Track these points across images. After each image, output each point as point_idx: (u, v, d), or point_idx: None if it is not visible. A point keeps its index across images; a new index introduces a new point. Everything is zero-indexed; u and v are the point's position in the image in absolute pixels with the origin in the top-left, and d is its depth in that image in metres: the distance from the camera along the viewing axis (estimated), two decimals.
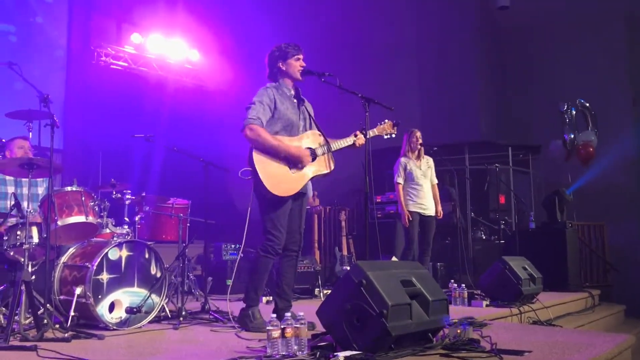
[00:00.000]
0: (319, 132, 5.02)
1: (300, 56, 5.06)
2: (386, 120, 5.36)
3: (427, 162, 8.22)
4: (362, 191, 4.80)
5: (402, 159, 8.16)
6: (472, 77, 13.32)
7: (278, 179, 4.75)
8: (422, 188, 8.06)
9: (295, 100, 5.00)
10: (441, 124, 12.82)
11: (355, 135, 5.05)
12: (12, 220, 5.20)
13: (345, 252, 9.69)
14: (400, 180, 8.05)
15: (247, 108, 4.83)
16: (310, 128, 5.09)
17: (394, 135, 5.45)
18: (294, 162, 4.71)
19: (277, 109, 4.87)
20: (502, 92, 13.99)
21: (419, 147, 8.12)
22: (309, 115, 5.08)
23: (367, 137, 4.94)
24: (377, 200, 10.61)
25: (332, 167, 4.98)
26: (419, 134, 8.22)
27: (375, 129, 5.29)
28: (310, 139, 4.97)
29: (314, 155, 4.90)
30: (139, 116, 9.71)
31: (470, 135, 13.06)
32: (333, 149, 4.97)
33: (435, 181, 8.18)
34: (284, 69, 5.00)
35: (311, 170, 4.89)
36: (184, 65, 11.18)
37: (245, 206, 4.82)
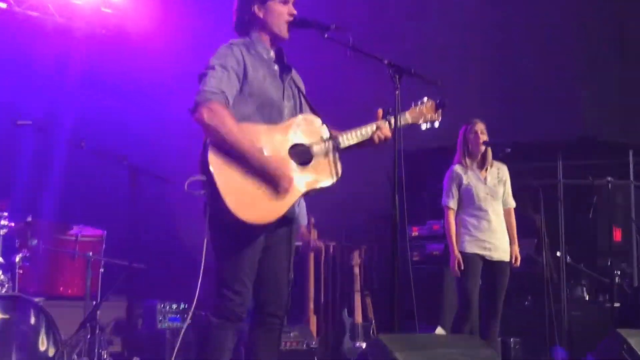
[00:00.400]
0: (317, 117, 3.92)
1: None
2: (425, 99, 4.13)
3: (498, 173, 6.25)
4: (388, 218, 3.90)
5: (456, 168, 6.22)
6: (569, 38, 9.64)
7: (248, 195, 3.63)
8: (487, 216, 6.05)
9: (276, 67, 3.92)
10: (514, 112, 9.36)
11: (377, 125, 3.94)
12: None
13: (359, 319, 7.82)
14: (452, 202, 6.07)
15: (202, 75, 3.72)
16: (301, 111, 4.00)
17: (437, 124, 4.17)
18: (269, 178, 3.68)
19: (248, 80, 3.78)
20: (618, 69, 9.95)
21: (483, 148, 6.14)
22: (299, 91, 4.02)
23: (397, 126, 3.86)
24: (414, 234, 8.18)
25: (339, 176, 3.85)
26: (482, 126, 6.20)
27: (407, 113, 4.11)
28: (302, 129, 3.85)
29: (307, 156, 3.80)
30: (26, 89, 7.58)
31: (564, 129, 9.54)
32: (341, 146, 3.88)
33: (512, 204, 6.20)
34: (260, 16, 3.86)
35: (304, 181, 3.74)
36: (99, 9, 8.31)
37: (197, 240, 3.73)
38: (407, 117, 4.10)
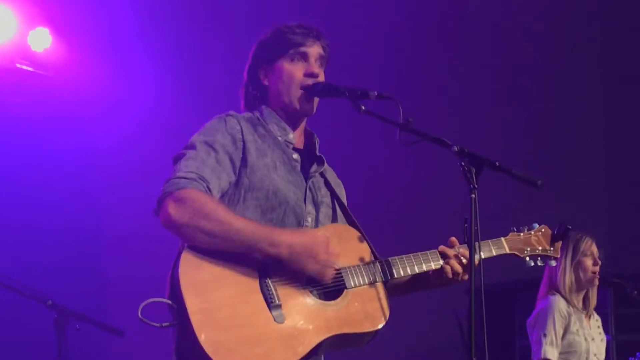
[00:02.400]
0: (358, 233, 2.70)
1: (309, 49, 2.68)
2: (537, 225, 2.95)
3: (598, 324, 4.66)
4: None
5: (559, 301, 4.53)
6: None
7: (233, 323, 2.38)
8: None
9: (296, 156, 2.73)
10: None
11: (452, 252, 2.70)
12: None
13: None
14: (555, 353, 4.34)
15: (177, 158, 2.60)
16: (334, 220, 2.78)
17: (553, 263, 2.97)
18: (292, 274, 2.47)
19: (249, 167, 2.61)
20: None
21: (594, 280, 4.55)
22: (333, 195, 2.81)
23: (471, 248, 2.45)
24: None
25: (385, 320, 2.58)
26: (595, 246, 4.65)
27: (504, 240, 2.87)
28: (332, 245, 2.57)
29: (336, 286, 2.54)
30: None
31: None
32: (394, 276, 2.63)
33: None
34: (267, 83, 2.74)
35: (326, 321, 2.48)
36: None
37: None
38: (503, 245, 2.86)
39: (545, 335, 4.38)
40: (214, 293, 2.40)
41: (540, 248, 2.91)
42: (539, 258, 2.91)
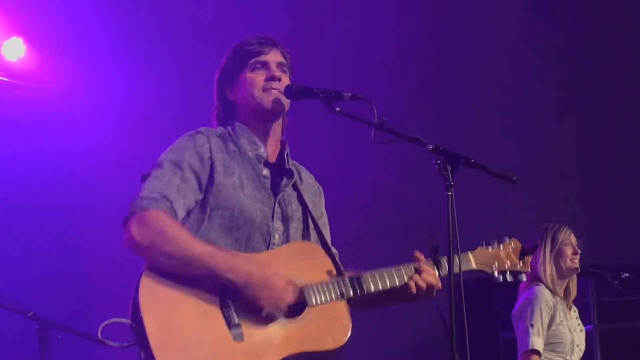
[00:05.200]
0: (322, 250, 2.70)
1: (267, 57, 2.70)
2: (507, 239, 2.88)
3: (576, 315, 4.65)
4: None
5: (543, 291, 4.48)
6: None
7: (192, 342, 2.36)
8: None
9: (266, 172, 2.72)
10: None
11: (417, 267, 2.64)
12: None
13: None
14: (540, 344, 4.31)
15: (144, 177, 2.59)
16: (304, 235, 2.76)
17: (524, 277, 2.88)
18: (247, 301, 2.42)
19: (214, 186, 2.61)
20: None
21: (575, 268, 4.52)
22: (305, 209, 2.76)
23: (452, 270, 2.53)
24: None
25: (346, 337, 2.52)
26: (572, 237, 4.60)
27: (471, 255, 2.80)
28: (297, 262, 2.60)
29: (298, 305, 2.50)
30: None
31: None
32: (352, 294, 2.58)
33: None
34: (232, 98, 2.76)
35: (288, 338, 2.46)
36: None
37: None
38: (470, 261, 2.79)
39: (532, 325, 4.34)
40: (174, 313, 2.39)
41: (509, 262, 2.85)
42: (508, 273, 2.83)
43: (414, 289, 2.58)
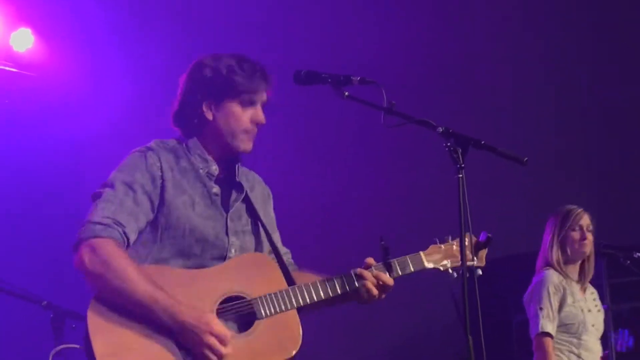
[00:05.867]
0: (273, 261, 2.73)
1: (260, 97, 2.66)
2: (449, 240, 2.81)
3: (594, 297, 4.64)
4: None
5: (553, 275, 4.51)
6: None
7: None
8: (589, 345, 4.42)
9: (216, 189, 2.70)
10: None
11: (362, 276, 2.66)
12: None
13: None
14: (550, 327, 4.35)
15: (95, 196, 2.59)
16: (257, 246, 2.76)
17: (480, 272, 2.69)
18: (186, 341, 2.44)
19: (165, 206, 2.59)
20: None
21: (588, 252, 4.53)
22: (254, 218, 2.77)
23: (464, 254, 2.53)
24: None
25: (296, 347, 2.54)
26: (587, 219, 4.59)
27: (424, 255, 2.77)
28: (245, 274, 2.61)
29: (248, 316, 2.54)
30: None
31: None
32: (299, 303, 2.59)
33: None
34: (210, 118, 2.67)
35: (238, 353, 2.46)
36: None
37: None
38: (422, 260, 2.75)
39: (541, 309, 4.38)
40: (122, 338, 2.41)
41: (454, 260, 2.77)
42: (459, 269, 2.71)
43: (365, 296, 2.61)
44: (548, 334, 4.32)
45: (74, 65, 5.74)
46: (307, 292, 2.56)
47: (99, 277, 2.44)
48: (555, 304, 4.37)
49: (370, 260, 2.63)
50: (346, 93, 2.54)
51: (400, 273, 2.67)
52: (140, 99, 5.76)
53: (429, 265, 2.75)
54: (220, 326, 2.39)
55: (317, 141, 6.17)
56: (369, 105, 2.52)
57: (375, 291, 2.59)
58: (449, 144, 2.44)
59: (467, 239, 2.69)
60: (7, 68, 5.56)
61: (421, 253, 2.75)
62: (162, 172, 2.60)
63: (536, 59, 6.91)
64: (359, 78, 2.52)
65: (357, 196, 5.72)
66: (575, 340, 4.39)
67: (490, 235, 2.71)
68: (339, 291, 2.62)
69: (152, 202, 2.57)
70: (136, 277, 2.43)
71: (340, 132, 5.54)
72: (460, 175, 2.42)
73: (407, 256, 2.69)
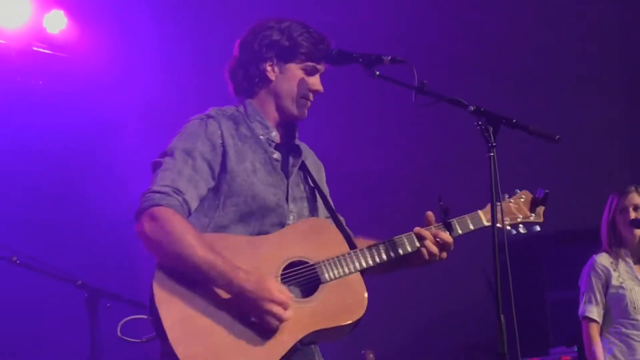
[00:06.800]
0: (333, 225, 2.73)
1: (321, 68, 2.71)
2: (518, 191, 2.84)
3: None
4: (491, 349, 2.41)
5: (600, 259, 4.52)
6: None
7: (212, 344, 2.41)
8: None
9: (277, 155, 2.72)
10: None
11: (426, 232, 2.66)
12: None
13: None
14: (596, 311, 4.36)
15: (155, 165, 2.61)
16: (313, 213, 2.77)
17: (538, 228, 2.82)
18: (246, 308, 2.45)
19: (228, 173, 2.61)
20: None
21: (631, 237, 4.48)
22: (314, 185, 2.79)
23: (495, 229, 2.47)
24: None
25: (362, 310, 2.54)
26: (638, 199, 4.55)
27: (481, 213, 2.75)
28: (308, 240, 2.62)
29: (312, 281, 2.54)
30: None
31: None
32: (365, 264, 2.59)
33: None
34: (272, 78, 2.69)
35: (302, 319, 2.48)
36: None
37: None
38: (480, 218, 2.75)
39: (585, 293, 4.44)
40: (189, 305, 2.44)
41: (520, 216, 2.81)
42: (520, 226, 2.79)
43: (426, 255, 2.60)
44: (592, 319, 4.35)
45: (106, 46, 5.77)
46: (369, 254, 2.58)
47: (159, 245, 2.47)
48: (599, 289, 4.38)
49: (429, 214, 2.64)
50: (377, 72, 2.52)
51: (460, 232, 2.68)
52: (172, 81, 5.80)
53: (488, 223, 2.72)
54: (280, 292, 2.39)
55: (356, 117, 6.22)
56: (401, 84, 2.50)
57: (435, 249, 2.60)
58: (480, 122, 2.42)
59: (523, 196, 2.80)
60: (41, 50, 5.61)
61: (479, 212, 2.76)
62: (222, 139, 2.61)
63: (575, 33, 6.80)
64: (390, 57, 2.51)
65: (399, 171, 5.72)
66: (626, 321, 4.38)
67: (547, 191, 2.74)
68: (400, 252, 2.63)
69: (212, 169, 2.59)
70: (195, 243, 2.45)
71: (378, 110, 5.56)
72: (492, 154, 2.39)
73: (466, 215, 2.69)
